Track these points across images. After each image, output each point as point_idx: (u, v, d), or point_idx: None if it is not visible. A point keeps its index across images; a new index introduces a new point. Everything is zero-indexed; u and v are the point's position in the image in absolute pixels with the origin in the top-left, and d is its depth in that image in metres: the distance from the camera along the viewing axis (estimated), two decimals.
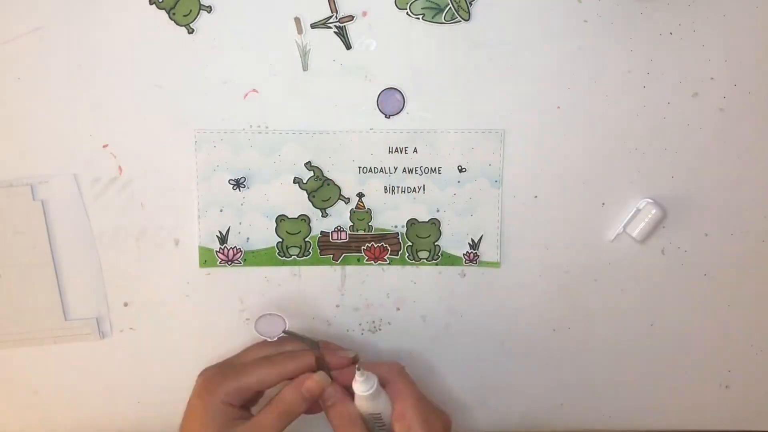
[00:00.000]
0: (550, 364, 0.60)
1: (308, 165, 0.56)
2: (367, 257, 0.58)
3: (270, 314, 0.55)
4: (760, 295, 0.59)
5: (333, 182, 0.57)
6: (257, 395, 0.53)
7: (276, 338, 0.55)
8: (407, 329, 0.59)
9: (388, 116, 0.56)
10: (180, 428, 0.52)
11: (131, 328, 0.58)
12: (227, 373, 0.52)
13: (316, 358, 0.52)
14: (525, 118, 0.56)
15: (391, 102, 0.56)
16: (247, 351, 0.55)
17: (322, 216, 0.57)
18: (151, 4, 0.54)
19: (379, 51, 0.55)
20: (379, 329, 0.59)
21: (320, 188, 0.57)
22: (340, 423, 0.50)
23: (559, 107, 0.56)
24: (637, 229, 0.56)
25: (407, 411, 0.50)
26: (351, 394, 0.51)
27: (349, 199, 0.57)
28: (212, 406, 0.50)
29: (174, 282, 0.57)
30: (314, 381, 0.51)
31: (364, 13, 0.54)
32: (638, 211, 0.57)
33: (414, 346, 0.60)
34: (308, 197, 0.57)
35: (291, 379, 0.52)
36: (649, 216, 0.56)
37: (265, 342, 0.55)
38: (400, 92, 0.55)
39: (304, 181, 0.57)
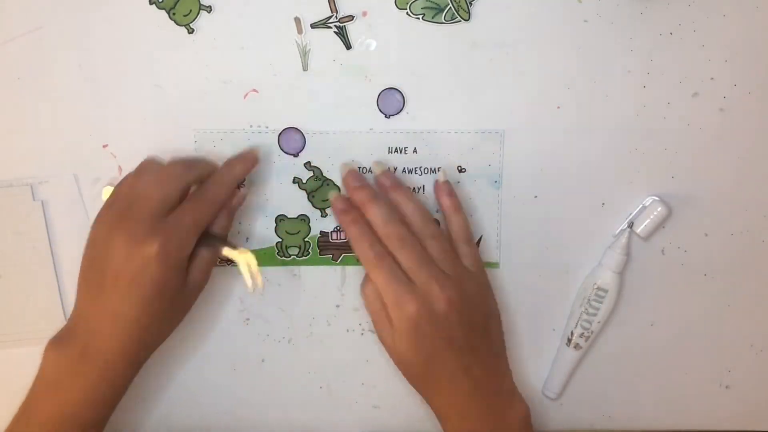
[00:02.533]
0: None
1: (308, 165, 0.56)
2: None
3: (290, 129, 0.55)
4: (760, 295, 0.59)
5: (333, 182, 0.57)
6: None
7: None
8: None
9: (388, 116, 0.56)
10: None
11: None
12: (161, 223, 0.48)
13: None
14: (525, 118, 0.56)
15: (391, 102, 0.56)
16: None
17: (322, 216, 0.57)
18: (151, 4, 0.54)
19: (379, 51, 0.55)
20: None
21: (320, 188, 0.57)
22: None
23: (559, 107, 0.56)
24: (641, 226, 0.56)
25: None
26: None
27: None
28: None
29: None
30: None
31: (364, 13, 0.54)
32: (644, 208, 0.57)
33: None
34: (308, 197, 0.57)
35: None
36: (655, 213, 0.56)
37: None
38: (400, 92, 0.55)
39: (304, 181, 0.57)
